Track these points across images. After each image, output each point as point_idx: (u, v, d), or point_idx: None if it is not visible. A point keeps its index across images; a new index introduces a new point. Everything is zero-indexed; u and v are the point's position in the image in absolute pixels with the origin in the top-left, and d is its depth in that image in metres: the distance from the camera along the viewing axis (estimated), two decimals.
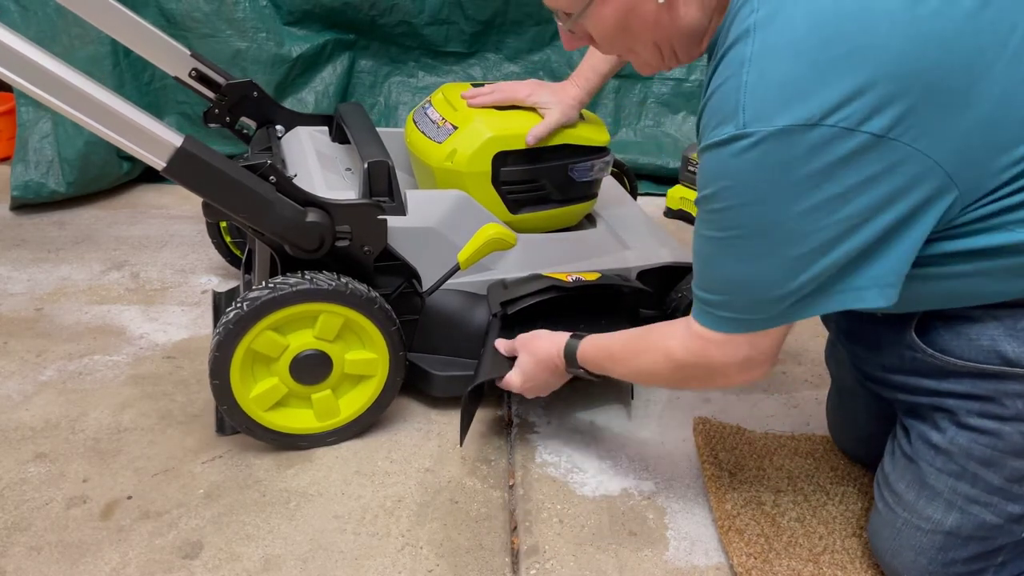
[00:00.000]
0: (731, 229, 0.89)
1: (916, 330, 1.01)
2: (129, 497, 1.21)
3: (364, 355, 1.29)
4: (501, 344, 1.31)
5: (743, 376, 0.98)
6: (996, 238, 0.88)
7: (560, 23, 1.03)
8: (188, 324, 1.66)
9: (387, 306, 1.28)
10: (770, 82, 0.81)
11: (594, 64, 1.46)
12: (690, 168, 2.23)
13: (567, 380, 1.28)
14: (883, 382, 1.11)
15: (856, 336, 1.15)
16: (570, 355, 1.20)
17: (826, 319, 1.23)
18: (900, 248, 0.86)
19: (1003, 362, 0.94)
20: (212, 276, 1.85)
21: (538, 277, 1.39)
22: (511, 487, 1.27)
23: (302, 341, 1.25)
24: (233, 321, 1.19)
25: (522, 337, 1.28)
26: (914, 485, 1.03)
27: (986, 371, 0.96)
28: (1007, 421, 0.96)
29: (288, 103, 2.34)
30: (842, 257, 0.85)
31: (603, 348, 1.16)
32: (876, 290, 0.88)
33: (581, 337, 1.20)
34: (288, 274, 1.23)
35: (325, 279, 1.23)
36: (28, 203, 2.10)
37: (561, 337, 1.22)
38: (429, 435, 1.37)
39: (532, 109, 1.45)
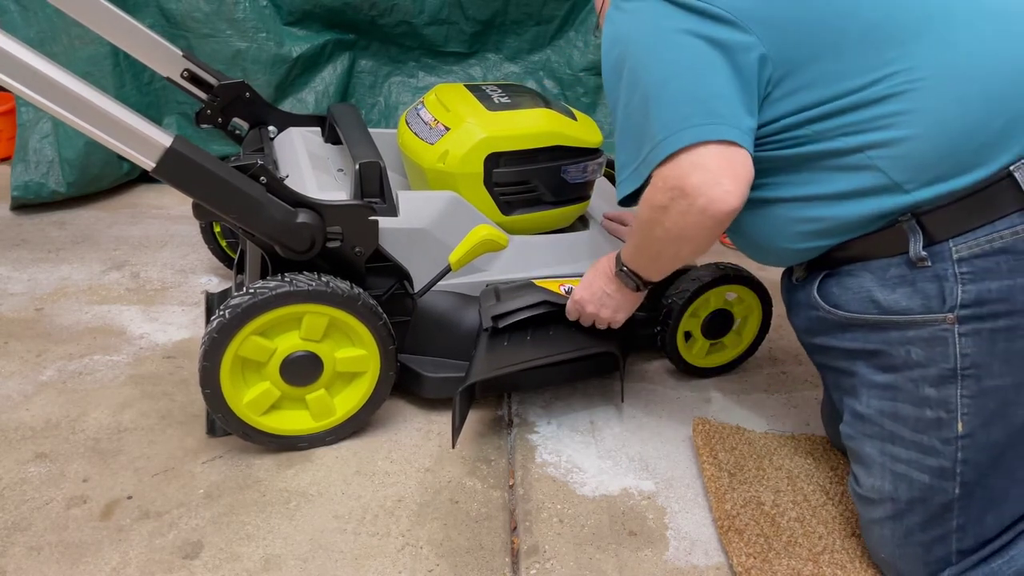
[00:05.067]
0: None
1: (817, 290, 1.12)
2: (129, 497, 1.21)
3: (354, 352, 1.29)
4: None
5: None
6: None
7: None
8: (188, 324, 1.66)
9: (371, 301, 1.27)
10: None
11: None
12: None
13: (625, 298, 1.29)
14: (809, 349, 1.20)
15: (790, 308, 1.23)
16: (618, 254, 1.25)
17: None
18: None
19: (879, 310, 1.03)
20: (212, 276, 1.85)
21: (530, 286, 1.38)
22: (511, 487, 1.27)
23: (289, 343, 1.25)
24: (217, 329, 1.19)
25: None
26: (859, 460, 1.10)
27: (868, 321, 1.05)
28: (899, 371, 1.03)
29: (288, 103, 2.34)
30: None
31: (632, 235, 1.20)
32: None
33: None
34: (268, 278, 1.23)
35: (305, 280, 1.22)
36: (28, 203, 2.10)
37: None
38: (429, 435, 1.37)
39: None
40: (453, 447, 1.31)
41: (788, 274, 1.24)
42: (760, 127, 1.02)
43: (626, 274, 1.24)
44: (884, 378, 1.05)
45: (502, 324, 1.34)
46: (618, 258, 1.25)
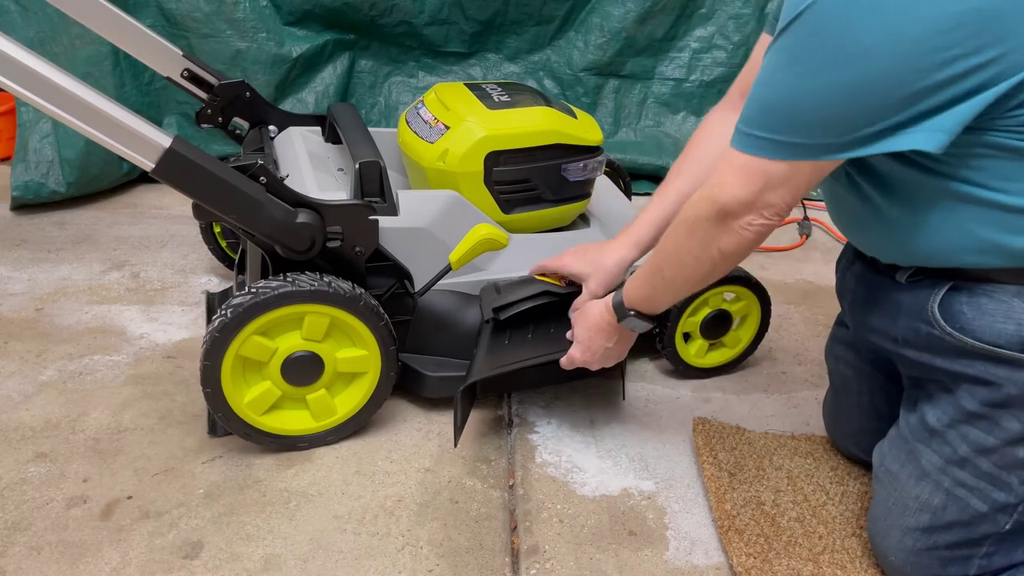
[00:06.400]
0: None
1: (940, 304, 0.97)
2: (129, 497, 1.21)
3: (355, 352, 1.29)
4: (569, 334, 1.30)
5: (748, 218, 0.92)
6: None
7: None
8: (188, 324, 1.66)
9: (373, 301, 1.27)
10: None
11: (650, 217, 1.29)
12: None
13: (626, 342, 1.25)
14: (892, 356, 1.09)
15: (873, 304, 1.09)
16: (617, 304, 1.17)
17: (842, 291, 1.20)
18: None
19: (1023, 348, 0.91)
20: (212, 276, 1.85)
21: (531, 280, 1.38)
22: (511, 487, 1.27)
23: (290, 343, 1.25)
24: (218, 329, 1.19)
25: (576, 313, 1.28)
26: (907, 464, 1.04)
27: (1002, 356, 0.92)
28: (1007, 409, 0.95)
29: (288, 103, 2.34)
30: None
31: (646, 268, 1.11)
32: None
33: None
34: (271, 277, 1.23)
35: (307, 280, 1.22)
36: (28, 203, 2.10)
37: (608, 296, 1.20)
38: (429, 435, 1.37)
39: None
40: (455, 446, 1.31)
41: (864, 260, 1.11)
42: (997, 103, 0.81)
43: (633, 318, 1.15)
44: (984, 411, 0.96)
45: (503, 316, 1.34)
46: (617, 307, 1.17)
